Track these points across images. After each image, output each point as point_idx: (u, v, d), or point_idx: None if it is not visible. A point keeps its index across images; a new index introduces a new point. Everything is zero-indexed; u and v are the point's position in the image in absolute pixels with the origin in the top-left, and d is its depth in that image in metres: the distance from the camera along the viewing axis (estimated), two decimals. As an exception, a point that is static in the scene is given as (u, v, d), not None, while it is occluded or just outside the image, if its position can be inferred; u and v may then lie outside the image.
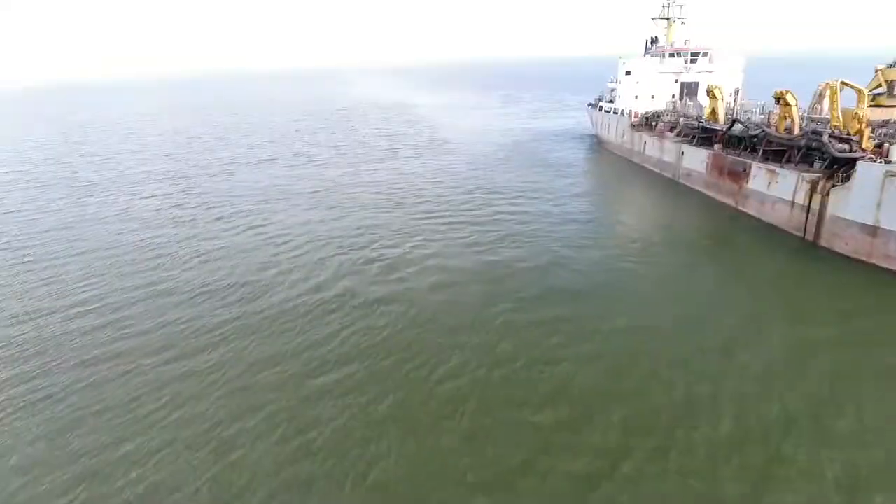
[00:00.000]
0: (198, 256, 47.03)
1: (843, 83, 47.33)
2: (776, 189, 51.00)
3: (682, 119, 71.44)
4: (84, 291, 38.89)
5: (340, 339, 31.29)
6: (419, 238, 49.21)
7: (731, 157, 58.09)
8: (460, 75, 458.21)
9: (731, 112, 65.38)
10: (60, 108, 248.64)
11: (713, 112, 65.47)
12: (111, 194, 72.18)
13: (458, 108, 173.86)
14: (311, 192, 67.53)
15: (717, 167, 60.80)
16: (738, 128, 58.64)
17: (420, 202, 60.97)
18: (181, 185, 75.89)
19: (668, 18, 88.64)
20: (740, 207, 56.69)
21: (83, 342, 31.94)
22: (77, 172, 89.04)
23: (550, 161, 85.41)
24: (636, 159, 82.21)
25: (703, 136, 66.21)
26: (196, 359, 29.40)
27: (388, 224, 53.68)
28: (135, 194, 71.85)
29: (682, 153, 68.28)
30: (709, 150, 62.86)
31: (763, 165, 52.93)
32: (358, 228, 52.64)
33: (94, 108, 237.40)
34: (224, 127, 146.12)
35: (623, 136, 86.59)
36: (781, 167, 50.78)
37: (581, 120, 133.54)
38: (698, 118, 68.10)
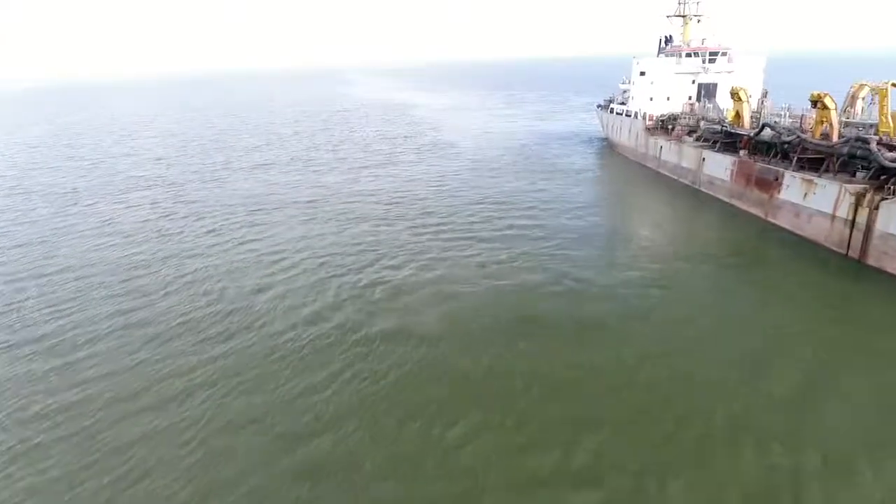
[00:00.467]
0: (181, 277, 42.75)
1: (893, 84, 43.01)
2: (813, 200, 46.65)
3: (702, 123, 67.05)
4: (44, 324, 34.56)
5: (337, 387, 27.00)
6: (424, 257, 44.90)
7: (761, 165, 53.79)
8: (461, 75, 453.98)
9: (755, 115, 61.09)
10: (56, 109, 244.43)
11: (737, 115, 61.18)
12: (96, 203, 67.92)
13: (461, 110, 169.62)
14: (308, 202, 63.22)
15: (744, 175, 56.48)
16: (767, 133, 54.31)
17: (424, 214, 56.62)
18: (171, 193, 71.65)
19: (683, 16, 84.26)
20: (770, 219, 52.38)
21: (30, 392, 27.56)
22: (63, 178, 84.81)
23: (560, 166, 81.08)
24: (651, 165, 77.88)
25: (727, 141, 61.90)
26: (166, 412, 25.11)
27: (391, 240, 49.37)
28: (121, 203, 67.61)
29: (703, 159, 63.94)
30: (733, 157, 58.55)
31: (798, 174, 48.60)
32: (357, 245, 48.33)
33: (90, 109, 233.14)
34: (220, 129, 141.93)
35: (637, 139, 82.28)
36: (819, 177, 46.46)
37: (588, 122, 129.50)
38: (721, 122, 63.75)
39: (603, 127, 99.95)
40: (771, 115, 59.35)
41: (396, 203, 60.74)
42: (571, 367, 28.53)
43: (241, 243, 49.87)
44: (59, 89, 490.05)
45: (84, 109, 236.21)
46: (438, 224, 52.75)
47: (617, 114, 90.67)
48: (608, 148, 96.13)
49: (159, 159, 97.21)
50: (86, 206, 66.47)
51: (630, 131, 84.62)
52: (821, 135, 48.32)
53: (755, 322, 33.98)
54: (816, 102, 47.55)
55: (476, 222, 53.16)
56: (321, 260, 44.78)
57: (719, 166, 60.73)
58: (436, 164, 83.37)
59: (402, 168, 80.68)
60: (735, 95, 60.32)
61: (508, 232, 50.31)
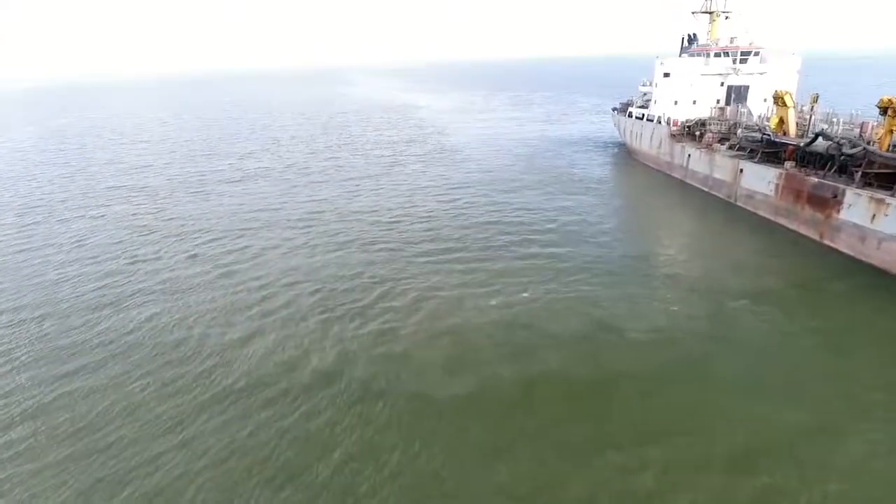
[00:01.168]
0: (151, 320, 36.33)
1: None
2: (885, 224, 40.31)
3: (739, 130, 60.63)
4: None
5: (328, 473, 20.80)
6: (430, 291, 38.56)
7: (815, 180, 47.42)
8: (463, 76, 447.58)
9: (802, 122, 54.74)
10: (51, 110, 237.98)
11: (780, 122, 54.86)
12: (69, 218, 61.59)
13: (465, 112, 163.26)
14: (303, 220, 56.78)
15: (792, 190, 50.13)
16: (821, 143, 47.95)
17: (430, 234, 50.18)
18: (153, 207, 65.26)
19: (710, 12, 77.91)
20: (827, 242, 46.06)
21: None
22: (40, 187, 78.56)
23: (576, 176, 74.71)
24: (677, 174, 71.54)
25: (768, 150, 55.60)
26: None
27: (392, 268, 42.97)
28: (96, 219, 61.28)
29: (741, 171, 57.59)
30: (778, 169, 52.21)
31: (864, 192, 42.28)
32: (354, 274, 41.92)
33: (85, 111, 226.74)
34: (215, 132, 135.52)
35: (660, 147, 75.94)
36: (893, 196, 40.12)
37: (601, 125, 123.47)
38: (761, 129, 57.37)
39: (620, 132, 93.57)
40: (820, 122, 53.10)
41: (400, 222, 54.18)
42: (607, 444, 22.34)
43: (225, 273, 43.37)
44: (59, 89, 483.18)
45: (79, 111, 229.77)
46: (448, 250, 46.07)
47: (636, 118, 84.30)
48: (626, 154, 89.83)
49: (146, 167, 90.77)
50: (57, 222, 60.13)
51: (652, 137, 78.26)
52: (891, 146, 42.02)
53: (833, 377, 27.97)
54: (887, 109, 41.23)
55: (490, 248, 46.50)
56: (311, 295, 38.34)
57: (761, 179, 54.38)
58: (442, 173, 76.97)
59: (406, 178, 74.22)
60: (779, 100, 53.97)
61: (528, 261, 43.72)
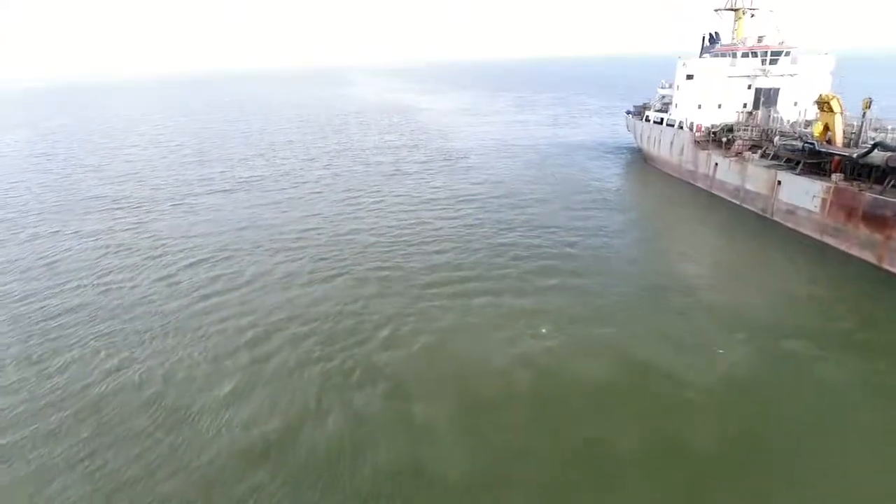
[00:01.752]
0: (115, 371, 30.88)
1: None
2: (963, 250, 35.03)
3: (777, 138, 55.25)
4: None
5: None
6: (440, 332, 33.26)
7: (871, 196, 42.09)
8: (464, 76, 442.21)
9: (850, 130, 49.39)
10: (45, 111, 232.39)
11: (825, 129, 49.56)
12: (39, 235, 56.24)
13: (469, 114, 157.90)
14: (297, 238, 51.34)
15: (843, 207, 44.78)
16: (878, 155, 42.60)
17: (437, 259, 44.55)
18: (134, 219, 59.94)
19: (735, 9, 72.55)
20: (888, 267, 40.74)
21: None
22: (16, 197, 73.29)
23: (591, 186, 69.36)
24: (702, 184, 66.20)
25: (811, 161, 50.28)
26: None
27: (396, 302, 37.52)
28: (70, 233, 56.03)
29: (779, 183, 52.25)
30: (825, 182, 46.87)
31: (936, 213, 36.99)
32: (353, 311, 36.42)
33: (80, 112, 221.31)
34: (209, 135, 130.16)
35: (682, 154, 70.59)
36: (975, 219, 34.83)
37: (611, 128, 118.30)
38: (802, 137, 52.01)
39: (636, 137, 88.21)
40: (872, 129, 47.83)
41: (403, 242, 48.65)
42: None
43: (205, 308, 37.77)
44: (59, 90, 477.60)
45: (74, 111, 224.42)
46: (457, 280, 40.65)
47: (655, 123, 78.96)
48: (642, 161, 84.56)
49: (132, 175, 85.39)
50: (26, 240, 54.79)
51: (673, 144, 72.92)
52: (966, 160, 36.71)
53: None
54: (964, 118, 35.92)
55: (504, 276, 40.74)
56: (308, 343, 32.66)
57: (804, 193, 49.04)
58: (447, 182, 71.59)
59: (409, 189, 68.72)
60: (824, 105, 48.65)
61: (547, 292, 38.23)
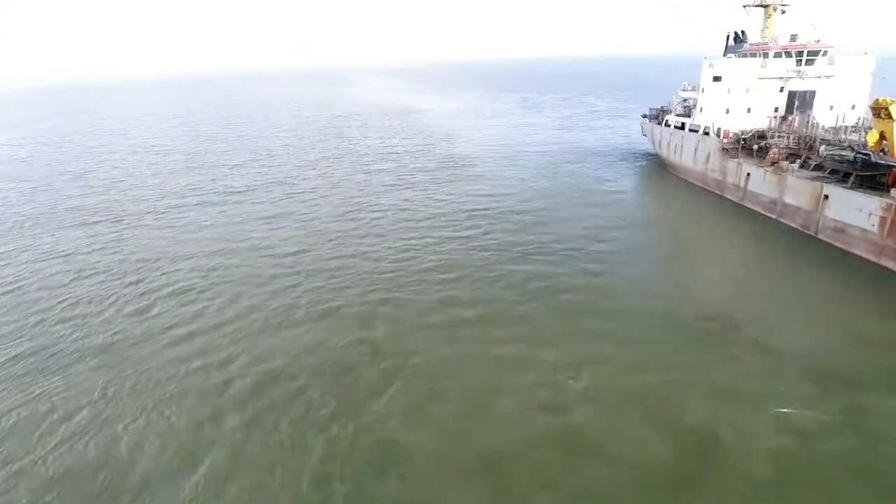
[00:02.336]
0: (66, 442, 25.74)
1: None
2: None
3: (823, 147, 49.97)
4: None
5: None
6: (450, 379, 28.20)
7: (944, 217, 36.86)
8: (465, 76, 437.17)
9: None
10: (39, 112, 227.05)
11: (881, 138, 44.33)
12: (6, 252, 51.05)
13: (472, 116, 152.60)
14: (288, 259, 46.16)
15: (908, 228, 39.57)
16: (952, 169, 37.38)
17: (446, 289, 38.91)
18: (113, 235, 54.68)
19: (765, 6, 67.25)
20: (965, 298, 35.53)
21: None
22: (-7, 208, 68.15)
23: (609, 197, 64.11)
24: (731, 196, 60.93)
25: (864, 173, 45.03)
26: None
27: (399, 338, 32.52)
28: (43, 251, 50.83)
29: (826, 197, 46.98)
30: (883, 199, 41.64)
31: None
32: (349, 356, 31.22)
33: (75, 113, 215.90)
34: (203, 139, 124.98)
35: (708, 162, 65.34)
36: None
37: (620, 131, 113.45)
38: (854, 146, 46.77)
39: (653, 143, 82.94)
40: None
41: (407, 268, 43.13)
42: None
43: (179, 354, 32.42)
44: (58, 90, 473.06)
45: (69, 113, 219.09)
46: (472, 314, 35.14)
47: (675, 128, 73.72)
48: (660, 168, 79.32)
49: (117, 182, 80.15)
50: (-7, 256, 49.67)
51: (697, 151, 67.67)
52: None
53: None
54: None
55: (525, 312, 35.42)
56: (296, 398, 27.52)
57: (857, 210, 43.77)
58: (453, 194, 66.16)
59: (413, 202, 63.26)
60: (881, 111, 43.39)
61: (574, 329, 33.08)
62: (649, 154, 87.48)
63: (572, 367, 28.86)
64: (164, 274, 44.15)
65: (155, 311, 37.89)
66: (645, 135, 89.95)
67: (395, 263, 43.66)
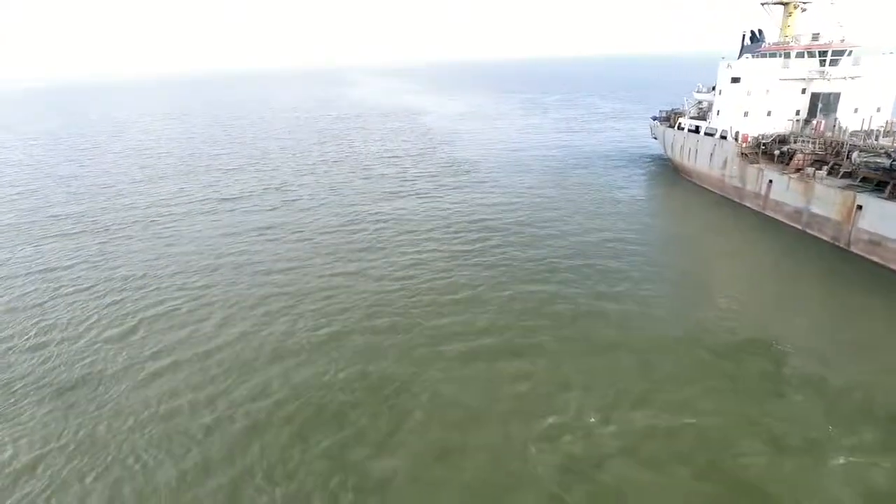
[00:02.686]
0: (29, 484, 22.63)
1: None
2: None
3: (856, 154, 46.73)
4: None
5: None
6: (461, 414, 25.02)
7: None
8: (466, 76, 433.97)
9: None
10: (32, 113, 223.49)
11: (921, 146, 41.15)
12: (-17, 267, 47.84)
13: (475, 117, 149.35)
14: (281, 280, 42.78)
15: (955, 243, 36.39)
16: None
17: (452, 314, 35.49)
18: (96, 248, 51.44)
19: (785, 3, 64.04)
20: None
21: None
22: (-28, 217, 64.77)
23: (622, 205, 60.99)
24: (751, 203, 57.78)
25: (902, 182, 41.84)
26: None
27: (405, 368, 29.39)
28: (20, 263, 47.63)
29: (860, 208, 43.81)
30: (927, 211, 38.48)
31: None
32: (344, 394, 28.07)
33: (69, 114, 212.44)
34: (198, 142, 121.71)
35: (725, 167, 62.15)
36: None
37: (627, 133, 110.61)
38: (891, 153, 43.58)
39: (665, 146, 79.74)
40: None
41: (409, 288, 39.64)
42: None
43: (160, 383, 29.50)
44: (58, 90, 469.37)
45: (64, 113, 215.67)
46: (481, 344, 31.89)
47: (689, 131, 70.52)
48: (672, 172, 76.20)
49: (106, 187, 76.88)
50: (-37, 273, 46.36)
51: (713, 156, 64.46)
52: None
53: None
54: None
55: (539, 343, 32.09)
56: (289, 450, 24.38)
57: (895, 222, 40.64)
58: (459, 201, 62.97)
59: (416, 209, 60.09)
60: (923, 117, 40.22)
61: (594, 361, 29.82)
62: (660, 157, 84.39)
63: (599, 409, 25.66)
64: (149, 292, 40.92)
65: (137, 336, 34.69)
66: (655, 137, 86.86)
67: (398, 282, 40.35)
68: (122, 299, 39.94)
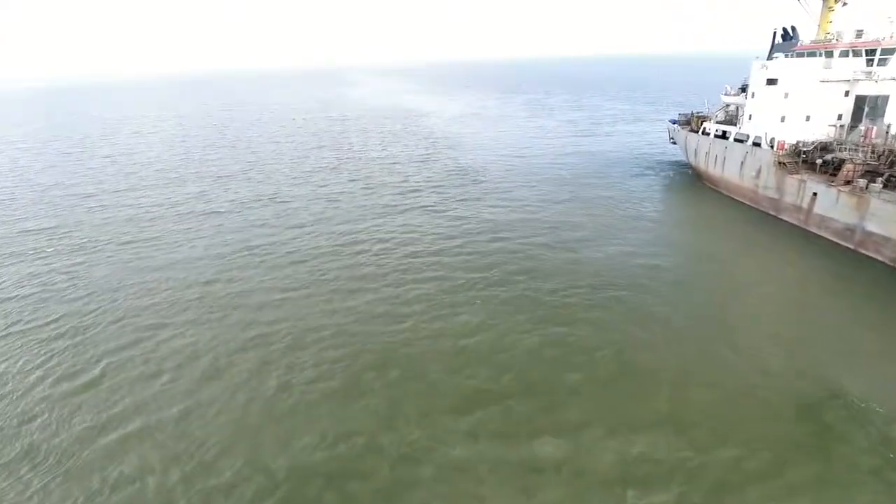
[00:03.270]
0: None
1: None
2: None
3: (922, 166, 41.36)
4: None
5: None
6: (470, 491, 19.63)
7: None
8: (466, 76, 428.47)
9: None
10: (26, 113, 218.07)
11: None
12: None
13: (478, 119, 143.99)
14: (272, 307, 37.56)
15: None
16: None
17: (465, 353, 30.54)
18: (66, 270, 46.08)
19: (824, -2, 58.63)
20: None
21: None
22: (-63, 232, 59.43)
23: (644, 220, 55.69)
24: (790, 218, 52.47)
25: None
26: None
27: (410, 434, 24.12)
28: (-24, 294, 42.27)
29: (930, 228, 38.43)
30: None
31: None
32: (338, 463, 22.80)
33: (65, 115, 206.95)
34: (191, 144, 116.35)
35: (758, 177, 56.77)
36: None
37: (640, 137, 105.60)
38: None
39: (686, 152, 74.36)
40: None
41: (416, 322, 34.30)
42: None
43: (123, 444, 24.27)
44: (58, 90, 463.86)
45: (58, 115, 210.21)
46: (493, 398, 26.81)
47: (716, 136, 65.14)
48: (694, 180, 70.91)
49: (86, 198, 71.38)
50: (-90, 304, 41.00)
51: (745, 164, 59.09)
52: None
53: None
54: None
55: (571, 389, 27.18)
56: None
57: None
58: (467, 217, 57.42)
59: (421, 228, 54.31)
60: None
61: (644, 426, 24.58)
62: (679, 164, 79.13)
63: (643, 482, 20.38)
64: (119, 330, 35.59)
65: (101, 388, 29.38)
66: (674, 142, 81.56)
67: (405, 321, 34.75)
68: (83, 340, 34.58)
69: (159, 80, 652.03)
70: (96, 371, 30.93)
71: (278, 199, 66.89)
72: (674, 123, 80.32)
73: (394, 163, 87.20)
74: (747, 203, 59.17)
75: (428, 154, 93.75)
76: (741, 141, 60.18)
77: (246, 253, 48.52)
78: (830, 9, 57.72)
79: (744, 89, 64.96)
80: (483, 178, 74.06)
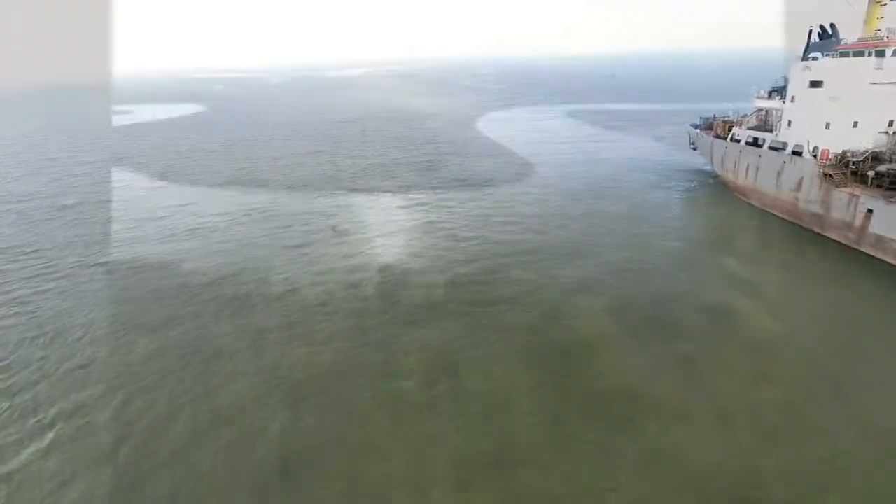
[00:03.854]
0: None
1: None
2: None
3: None
4: None
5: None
6: None
7: None
8: (466, 76, 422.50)
9: None
10: (22, 113, 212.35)
11: None
12: None
13: (482, 120, 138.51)
14: (255, 361, 32.00)
15: None
16: None
17: (488, 418, 25.13)
18: (20, 304, 40.52)
19: (870, -8, 52.93)
20: None
21: None
22: None
23: (673, 238, 50.52)
24: (838, 236, 46.93)
25: None
26: None
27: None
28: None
29: None
30: None
31: None
32: None
33: (60, 116, 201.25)
34: (183, 147, 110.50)
35: (799, 189, 51.17)
36: None
37: (656, 142, 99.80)
38: None
39: (712, 160, 68.74)
40: None
41: (426, 377, 28.75)
42: None
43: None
44: (56, 90, 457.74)
45: (53, 115, 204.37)
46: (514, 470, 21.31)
47: (747, 143, 59.53)
48: (720, 190, 65.24)
49: (54, 213, 65.51)
50: None
51: (782, 175, 53.49)
52: None
53: None
54: None
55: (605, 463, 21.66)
56: None
57: None
58: (478, 237, 51.81)
59: (428, 253, 48.09)
60: None
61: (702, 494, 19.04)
62: (703, 172, 73.44)
63: None
64: (69, 381, 30.08)
65: (46, 451, 23.81)
66: (694, 147, 76.05)
67: (410, 380, 29.10)
68: (34, 382, 29.26)
69: (159, 80, 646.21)
70: (49, 438, 25.40)
71: (268, 215, 61.26)
72: (696, 128, 74.81)
73: (396, 168, 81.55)
74: (784, 217, 53.56)
75: (432, 159, 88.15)
76: (777, 149, 54.59)
77: (228, 284, 42.94)
78: (880, 3, 52.00)
79: (776, 92, 59.48)
80: (491, 190, 68.62)
